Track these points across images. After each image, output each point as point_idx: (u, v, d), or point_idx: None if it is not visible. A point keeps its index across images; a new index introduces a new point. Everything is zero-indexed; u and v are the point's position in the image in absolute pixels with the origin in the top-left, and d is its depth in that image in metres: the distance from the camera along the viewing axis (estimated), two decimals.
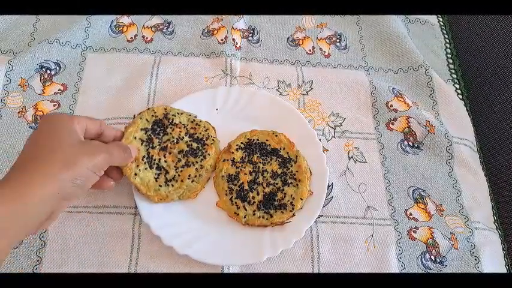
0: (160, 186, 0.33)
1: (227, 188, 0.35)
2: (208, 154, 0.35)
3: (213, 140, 0.36)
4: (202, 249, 0.32)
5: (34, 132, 0.27)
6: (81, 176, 0.26)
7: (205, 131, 0.36)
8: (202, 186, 0.35)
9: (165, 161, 0.34)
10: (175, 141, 0.35)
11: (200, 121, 0.37)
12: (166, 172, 0.34)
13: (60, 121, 0.27)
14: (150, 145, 0.34)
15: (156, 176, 0.33)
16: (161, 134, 0.35)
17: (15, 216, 0.23)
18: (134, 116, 0.35)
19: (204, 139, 0.36)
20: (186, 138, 0.35)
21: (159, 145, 0.34)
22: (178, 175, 0.34)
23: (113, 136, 0.32)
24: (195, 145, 0.35)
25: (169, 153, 0.34)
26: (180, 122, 0.36)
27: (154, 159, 0.34)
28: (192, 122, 0.36)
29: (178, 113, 0.36)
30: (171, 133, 0.35)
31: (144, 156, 0.34)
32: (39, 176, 0.24)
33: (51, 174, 0.24)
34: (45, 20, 0.44)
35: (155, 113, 0.36)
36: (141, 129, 0.35)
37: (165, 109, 0.36)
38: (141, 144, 0.34)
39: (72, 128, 0.27)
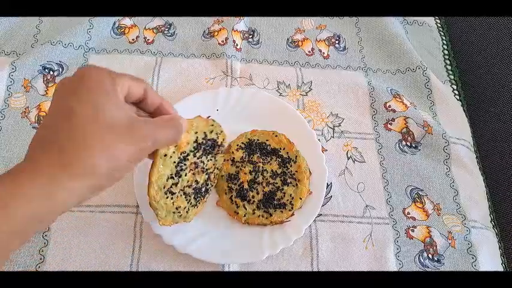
0: (164, 187, 0.29)
1: (227, 187, 0.35)
2: (196, 206, 0.32)
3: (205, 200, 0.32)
4: (202, 248, 0.33)
5: (65, 89, 0.21)
6: (119, 169, 0.21)
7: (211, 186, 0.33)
8: (171, 223, 0.31)
9: (185, 175, 0.30)
10: (204, 170, 0.31)
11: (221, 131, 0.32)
12: (176, 183, 0.29)
13: (100, 83, 0.21)
14: (196, 151, 0.29)
15: (169, 176, 0.28)
16: (205, 153, 0.30)
17: (40, 213, 0.19)
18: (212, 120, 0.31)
19: (203, 192, 0.32)
20: (206, 176, 0.32)
21: (197, 159, 0.30)
22: (177, 197, 0.30)
23: (158, 104, 0.25)
24: (203, 189, 0.32)
25: (193, 174, 0.30)
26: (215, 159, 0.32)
27: (185, 164, 0.29)
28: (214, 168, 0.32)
29: (222, 152, 0.32)
30: (208, 160, 0.31)
31: (183, 152, 0.28)
32: (74, 166, 0.19)
33: (89, 166, 0.19)
34: (48, 22, 0.45)
35: (220, 133, 0.31)
36: (204, 132, 0.29)
37: (223, 139, 0.32)
38: (194, 142, 0.29)
39: (115, 96, 0.21)
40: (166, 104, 0.26)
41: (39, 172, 0.19)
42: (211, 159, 0.32)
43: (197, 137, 0.30)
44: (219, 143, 0.32)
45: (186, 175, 0.30)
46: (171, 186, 0.29)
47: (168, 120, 0.25)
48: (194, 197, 0.32)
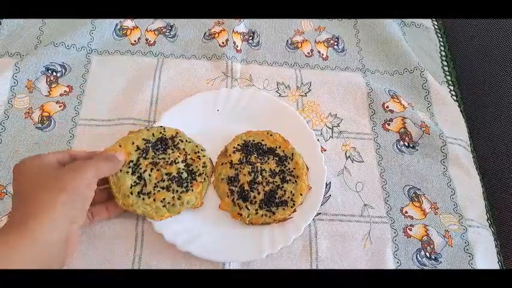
0: (131, 193, 0.33)
1: (228, 190, 0.35)
2: (192, 190, 0.34)
3: (204, 178, 0.35)
4: (203, 247, 0.33)
5: (14, 182, 0.28)
6: (77, 196, 0.27)
7: (203, 167, 0.35)
8: (170, 215, 0.33)
9: (149, 175, 0.33)
10: (168, 163, 0.34)
11: (204, 156, 0.36)
12: (145, 185, 0.33)
13: (32, 163, 0.28)
14: (143, 155, 0.34)
15: (133, 184, 0.33)
16: (159, 151, 0.35)
17: (31, 247, 0.24)
18: (147, 128, 0.36)
19: (197, 174, 0.35)
20: (181, 165, 0.35)
21: (152, 159, 0.34)
22: (154, 193, 0.33)
23: (87, 156, 0.32)
24: (185, 175, 0.34)
25: (158, 170, 0.34)
26: (183, 149, 0.35)
27: (140, 168, 0.33)
28: (195, 153, 0.36)
29: (186, 141, 0.36)
30: (169, 154, 0.35)
31: (131, 161, 0.33)
32: (41, 206, 0.25)
33: (51, 201, 0.26)
34: (51, 24, 0.45)
35: (164, 131, 0.36)
36: (143, 139, 0.35)
37: (177, 132, 0.36)
38: (135, 150, 0.34)
39: (47, 162, 0.29)
40: (93, 152, 0.33)
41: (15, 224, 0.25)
42: (173, 151, 0.35)
43: (137, 146, 0.34)
44: (169, 137, 0.36)
45: (150, 175, 0.34)
46: (142, 189, 0.33)
47: (103, 155, 0.32)
48: (177, 185, 0.34)
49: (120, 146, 0.34)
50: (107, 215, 0.33)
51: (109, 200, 0.33)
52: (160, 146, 0.35)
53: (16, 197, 0.28)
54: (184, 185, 0.34)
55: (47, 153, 0.30)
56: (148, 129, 0.35)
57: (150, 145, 0.35)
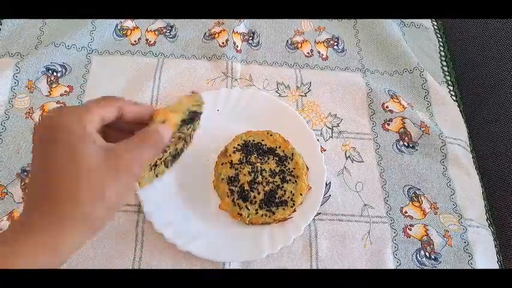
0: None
1: (228, 190, 0.35)
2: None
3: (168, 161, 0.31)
4: (203, 246, 0.33)
5: (39, 147, 0.21)
6: (113, 206, 0.21)
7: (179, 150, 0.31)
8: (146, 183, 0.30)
9: (168, 147, 0.29)
10: (176, 138, 0.30)
11: (186, 142, 0.32)
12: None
13: (70, 131, 0.20)
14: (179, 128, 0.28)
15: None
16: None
17: (49, 258, 0.20)
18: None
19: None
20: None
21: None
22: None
23: (135, 115, 0.24)
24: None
25: (170, 143, 0.29)
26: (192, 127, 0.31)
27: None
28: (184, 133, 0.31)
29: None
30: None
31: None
32: (67, 220, 0.19)
33: (79, 216, 0.20)
34: (52, 24, 0.45)
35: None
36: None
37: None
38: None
39: (87, 137, 0.20)
40: (145, 109, 0.25)
41: (37, 232, 0.20)
42: (190, 128, 0.31)
43: (183, 116, 0.29)
44: (198, 112, 0.32)
45: (169, 147, 0.30)
46: (156, 161, 0.29)
47: (148, 138, 0.23)
48: (170, 162, 0.32)
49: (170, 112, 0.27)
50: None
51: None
52: (190, 119, 0.30)
53: (37, 175, 0.20)
54: (174, 162, 0.31)
55: (92, 111, 0.21)
56: (197, 100, 0.30)
57: (188, 118, 0.30)
